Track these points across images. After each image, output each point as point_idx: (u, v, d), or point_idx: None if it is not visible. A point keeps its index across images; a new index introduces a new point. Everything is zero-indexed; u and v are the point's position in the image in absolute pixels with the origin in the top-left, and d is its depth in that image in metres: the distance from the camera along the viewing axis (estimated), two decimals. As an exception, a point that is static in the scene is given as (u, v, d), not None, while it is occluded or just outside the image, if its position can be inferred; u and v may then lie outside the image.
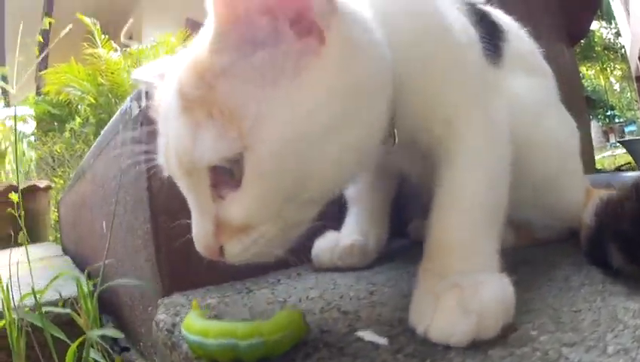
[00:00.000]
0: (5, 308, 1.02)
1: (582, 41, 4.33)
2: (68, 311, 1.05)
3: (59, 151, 5.32)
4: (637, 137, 2.63)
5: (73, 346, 0.95)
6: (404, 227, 1.25)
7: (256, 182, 0.61)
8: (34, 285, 1.09)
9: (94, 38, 6.69)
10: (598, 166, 4.47)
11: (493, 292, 0.62)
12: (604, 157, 9.19)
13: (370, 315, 0.72)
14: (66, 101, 6.89)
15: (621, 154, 10.65)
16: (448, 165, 0.78)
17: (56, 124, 6.66)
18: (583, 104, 4.40)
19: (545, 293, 0.75)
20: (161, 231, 0.92)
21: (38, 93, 7.31)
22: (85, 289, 1.09)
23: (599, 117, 31.63)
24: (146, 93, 0.94)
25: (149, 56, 6.97)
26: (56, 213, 4.18)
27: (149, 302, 1.02)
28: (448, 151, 0.79)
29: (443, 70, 0.77)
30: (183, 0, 7.49)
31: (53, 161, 5.49)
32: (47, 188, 4.33)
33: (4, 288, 1.08)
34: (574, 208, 1.00)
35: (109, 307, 1.35)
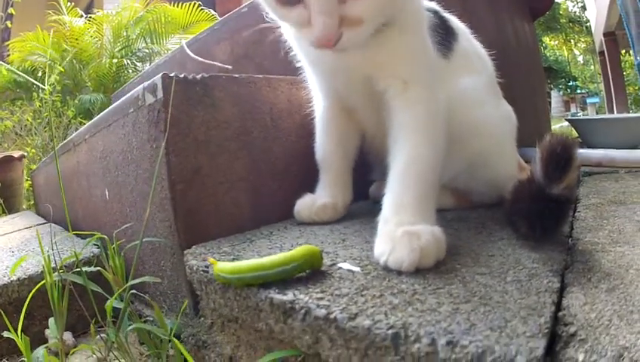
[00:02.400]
0: (46, 271, 1.14)
1: (546, 12, 4.49)
2: (98, 268, 1.21)
3: (29, 120, 5.37)
4: (582, 116, 2.75)
5: (113, 298, 1.10)
6: (366, 189, 1.54)
7: None
8: (47, 253, 1.20)
9: (60, 6, 6.67)
10: None
11: (430, 237, 0.92)
12: (562, 127, 9.43)
13: (345, 254, 1.01)
14: (31, 69, 6.86)
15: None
16: (399, 129, 1.11)
17: (19, 91, 6.65)
18: (542, 75, 4.58)
19: (471, 242, 1.05)
20: (178, 197, 1.15)
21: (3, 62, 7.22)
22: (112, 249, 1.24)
23: (560, 87, 31.85)
24: (163, 85, 1.16)
25: (113, 21, 7.02)
26: (29, 182, 4.28)
27: (161, 256, 1.25)
28: (399, 111, 1.12)
29: (407, 45, 1.14)
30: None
31: (21, 129, 5.52)
32: (21, 158, 4.40)
33: (44, 253, 1.20)
34: (505, 180, 1.26)
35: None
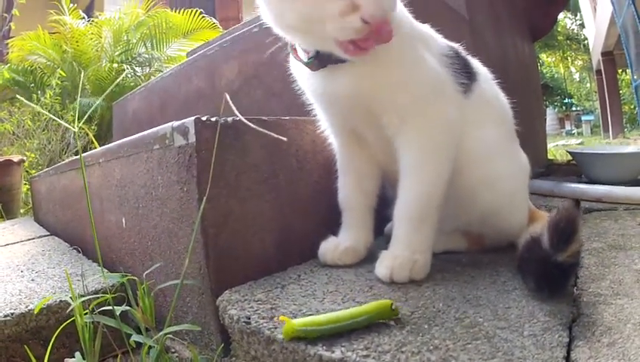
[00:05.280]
0: (77, 312, 1.14)
1: (546, 34, 4.53)
2: (127, 308, 1.19)
3: (29, 124, 5.36)
4: (585, 150, 2.77)
5: (146, 345, 1.11)
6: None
7: None
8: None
9: (61, 6, 6.69)
10: (550, 156, 4.67)
11: (404, 260, 1.18)
12: (557, 145, 9.50)
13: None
14: (30, 68, 6.86)
15: (574, 145, 10.96)
16: (401, 168, 1.22)
17: (17, 89, 6.63)
18: (540, 96, 4.63)
19: (489, 292, 1.12)
20: (210, 241, 1.17)
21: (2, 61, 7.21)
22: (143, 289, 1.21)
23: (556, 104, 32.00)
24: (195, 129, 1.18)
25: (114, 25, 7.03)
26: (26, 186, 4.27)
27: (187, 294, 1.27)
28: (399, 148, 1.23)
29: (399, 76, 1.20)
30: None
31: (20, 131, 5.51)
32: (20, 162, 4.39)
33: (72, 291, 1.22)
34: (516, 230, 1.36)
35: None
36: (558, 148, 8.08)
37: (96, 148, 1.71)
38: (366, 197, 1.41)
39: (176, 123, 1.24)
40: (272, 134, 1.15)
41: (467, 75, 1.33)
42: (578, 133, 23.39)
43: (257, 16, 2.48)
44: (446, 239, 1.41)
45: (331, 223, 1.42)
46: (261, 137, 1.28)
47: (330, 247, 1.37)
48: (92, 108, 5.52)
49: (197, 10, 7.25)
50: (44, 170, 3.24)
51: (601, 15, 13.61)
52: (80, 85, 6.71)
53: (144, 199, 1.42)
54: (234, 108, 1.13)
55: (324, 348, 0.87)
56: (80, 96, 6.38)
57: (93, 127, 5.72)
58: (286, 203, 1.39)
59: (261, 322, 0.99)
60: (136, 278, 1.27)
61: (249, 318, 1.02)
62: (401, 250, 1.20)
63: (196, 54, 2.97)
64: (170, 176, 1.27)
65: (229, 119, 1.23)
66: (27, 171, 4.73)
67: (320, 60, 1.18)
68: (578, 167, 2.84)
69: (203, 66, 2.67)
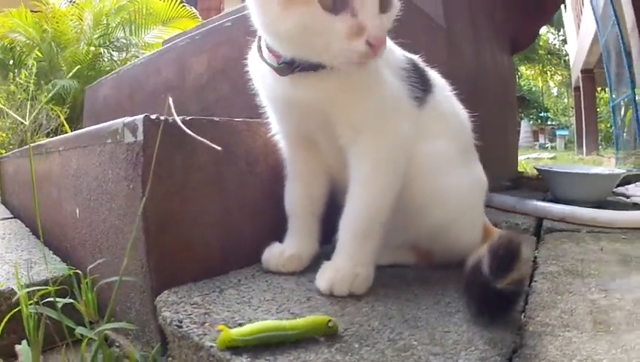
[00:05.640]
0: (22, 303, 1.16)
1: (527, 47, 4.54)
2: (71, 301, 1.20)
3: (2, 102, 5.30)
4: (553, 167, 2.77)
5: (86, 338, 1.12)
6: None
7: (395, 10, 1.14)
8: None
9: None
10: (521, 168, 4.68)
11: (345, 273, 1.18)
12: (529, 158, 9.52)
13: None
14: (10, 46, 6.82)
15: (545, 159, 11.01)
16: (351, 179, 1.23)
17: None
18: (515, 109, 4.64)
19: (429, 313, 1.10)
20: (151, 240, 1.17)
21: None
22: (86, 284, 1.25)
23: (532, 117, 32.26)
24: (144, 127, 1.17)
25: (95, 8, 6.98)
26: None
27: (130, 290, 1.26)
28: (351, 160, 1.23)
29: (358, 89, 1.20)
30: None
31: (-6, 110, 5.46)
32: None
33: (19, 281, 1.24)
34: (467, 248, 1.29)
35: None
36: (529, 160, 8.13)
37: (66, 131, 1.70)
38: (313, 205, 1.42)
39: (127, 119, 1.23)
40: (206, 142, 1.13)
41: (423, 88, 1.33)
42: (552, 148, 23.54)
43: (232, 11, 2.51)
44: (394, 252, 1.41)
45: (280, 228, 1.42)
46: (210, 139, 1.26)
47: (274, 253, 1.37)
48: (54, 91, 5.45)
49: None
50: (12, 151, 3.21)
51: (585, 32, 13.74)
52: (56, 66, 6.66)
53: (95, 192, 1.41)
54: (173, 110, 1.13)
55: (248, 359, 0.87)
56: (56, 78, 6.34)
57: (65, 110, 5.66)
58: (233, 205, 1.38)
59: (192, 327, 0.99)
60: (79, 272, 1.29)
61: (181, 322, 1.01)
62: (344, 261, 1.21)
63: (167, 45, 2.95)
64: (119, 171, 1.26)
65: (178, 119, 1.21)
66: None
67: (290, 66, 1.16)
68: (546, 185, 2.84)
69: (173, 58, 2.63)
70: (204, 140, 1.15)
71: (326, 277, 1.19)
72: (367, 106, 1.21)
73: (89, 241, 1.48)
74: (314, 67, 1.13)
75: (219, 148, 1.14)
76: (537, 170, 2.98)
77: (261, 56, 1.24)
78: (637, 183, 3.12)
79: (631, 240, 1.77)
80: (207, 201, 1.30)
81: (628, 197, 2.83)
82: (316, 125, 1.27)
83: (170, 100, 1.13)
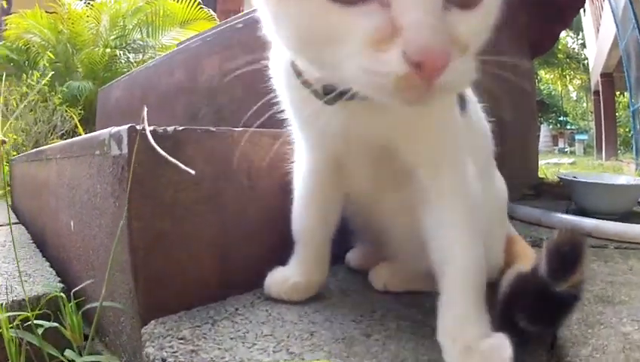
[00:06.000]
0: (4, 327, 1.08)
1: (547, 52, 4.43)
2: (56, 325, 1.13)
3: (15, 104, 5.28)
4: (577, 177, 2.64)
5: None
6: (342, 252, 1.44)
7: (493, 7, 0.72)
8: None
9: (60, -15, 6.64)
10: (541, 174, 4.56)
11: (495, 352, 0.83)
12: (548, 163, 9.37)
13: (312, 358, 0.90)
14: (25, 47, 6.86)
15: (565, 164, 10.85)
16: (440, 226, 0.96)
17: (12, 64, 6.62)
18: (535, 115, 4.52)
19: None
20: (139, 263, 1.06)
21: (-1, 38, 7.22)
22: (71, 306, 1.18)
23: (551, 121, 32.12)
24: (128, 139, 1.05)
25: (112, 9, 7.03)
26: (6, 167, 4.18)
27: (121, 313, 1.16)
28: (434, 202, 0.96)
29: (444, 117, 0.96)
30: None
31: (7, 110, 5.44)
32: (1, 143, 4.29)
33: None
34: (492, 266, 1.13)
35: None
36: (549, 166, 8.00)
37: (80, 133, 1.63)
38: (328, 230, 1.22)
39: (114, 129, 1.12)
40: (181, 165, 1.02)
41: (462, 105, 1.10)
42: (571, 152, 23.36)
43: (247, 12, 2.43)
44: (409, 278, 1.25)
45: (286, 250, 1.27)
46: (206, 151, 1.16)
47: (277, 280, 1.22)
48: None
49: (196, 0, 7.19)
50: (21, 155, 3.18)
51: (604, 36, 13.58)
52: (72, 67, 6.67)
53: (87, 206, 1.32)
54: (146, 124, 1.01)
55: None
56: (71, 79, 6.33)
57: (79, 111, 5.62)
58: (232, 225, 1.26)
59: (176, 368, 0.87)
60: (63, 295, 1.20)
61: (164, 360, 0.90)
62: (483, 333, 0.89)
63: (180, 46, 2.90)
64: (107, 187, 1.16)
65: (169, 129, 1.11)
66: (11, 153, 4.61)
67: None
68: (570, 196, 2.71)
69: (185, 59, 2.60)
70: (177, 162, 1.04)
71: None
72: (447, 137, 0.99)
73: (83, 256, 1.40)
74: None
75: (192, 171, 1.03)
76: (561, 179, 2.86)
77: (297, 73, 0.92)
78: None
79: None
80: (201, 221, 1.18)
81: None
82: (370, 159, 1.03)
83: (145, 112, 1.01)
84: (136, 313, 1.08)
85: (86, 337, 1.18)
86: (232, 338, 0.98)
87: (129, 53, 7.10)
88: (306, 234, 1.22)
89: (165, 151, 1.08)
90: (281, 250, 1.26)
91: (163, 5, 7.18)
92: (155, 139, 1.07)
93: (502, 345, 0.84)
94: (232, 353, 0.92)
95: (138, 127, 1.06)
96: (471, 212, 0.97)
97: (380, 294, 1.24)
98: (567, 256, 0.85)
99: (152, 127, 1.08)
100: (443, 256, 0.95)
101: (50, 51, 6.42)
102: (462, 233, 0.95)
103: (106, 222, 1.18)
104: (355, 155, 1.04)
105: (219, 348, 0.94)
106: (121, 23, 7.12)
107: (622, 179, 2.80)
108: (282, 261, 1.26)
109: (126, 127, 1.06)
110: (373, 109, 0.82)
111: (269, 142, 1.33)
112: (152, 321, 1.05)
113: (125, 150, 1.06)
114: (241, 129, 1.29)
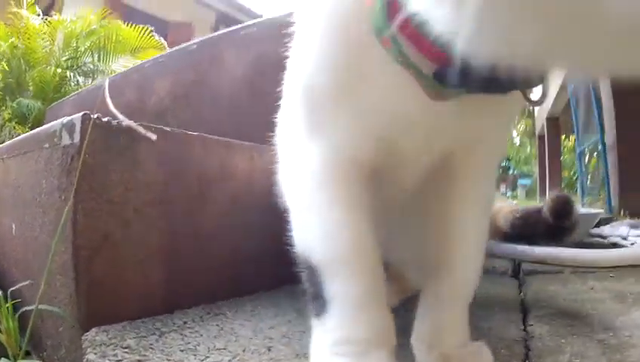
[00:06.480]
0: None
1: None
2: None
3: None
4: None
5: None
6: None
7: None
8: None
9: (21, -1, 6.57)
10: None
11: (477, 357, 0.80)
12: (491, 205, 9.49)
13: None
14: None
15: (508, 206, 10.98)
16: (463, 220, 0.85)
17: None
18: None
19: None
20: (81, 265, 0.97)
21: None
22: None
23: None
24: (82, 127, 0.98)
25: (67, 28, 7.02)
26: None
27: (60, 322, 1.06)
28: (468, 206, 0.85)
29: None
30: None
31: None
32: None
33: None
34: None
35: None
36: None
37: None
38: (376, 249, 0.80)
39: (67, 118, 1.04)
40: (141, 130, 0.94)
41: None
42: (513, 196, 23.68)
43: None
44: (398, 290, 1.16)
45: (236, 266, 1.22)
46: (160, 151, 1.09)
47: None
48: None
49: (148, 28, 7.22)
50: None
51: (551, 80, 13.89)
52: (24, 84, 6.56)
53: (31, 205, 1.22)
54: (111, 106, 0.94)
55: None
56: (22, 96, 6.22)
57: (27, 130, 5.49)
58: (181, 234, 1.18)
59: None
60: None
61: (106, 369, 0.81)
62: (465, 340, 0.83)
63: (133, 67, 2.88)
64: (53, 180, 1.07)
65: (124, 123, 1.03)
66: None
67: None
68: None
69: (137, 80, 2.56)
70: (138, 127, 0.96)
71: None
72: (506, 138, 0.94)
73: (23, 261, 1.30)
74: (502, 86, 0.60)
75: (154, 136, 0.94)
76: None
77: (387, 43, 0.62)
78: (612, 224, 3.02)
79: (619, 278, 1.62)
80: (150, 226, 1.10)
81: (605, 238, 2.73)
82: (430, 157, 0.83)
83: (107, 84, 0.93)
84: (76, 320, 0.98)
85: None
86: (182, 350, 0.89)
87: (79, 75, 7.02)
88: (360, 257, 0.76)
89: (118, 147, 1.02)
90: (232, 265, 1.20)
91: (116, 31, 7.14)
92: (108, 133, 1.00)
93: (482, 351, 0.80)
94: (184, 363, 0.83)
95: (94, 116, 0.99)
96: (487, 222, 0.92)
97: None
98: (563, 207, 1.50)
99: (106, 119, 1.01)
100: (446, 258, 0.85)
101: (5, 63, 6.30)
102: (474, 242, 0.87)
103: (49, 219, 1.09)
104: (417, 151, 0.81)
105: (168, 359, 0.85)
106: (74, 44, 7.04)
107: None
108: (236, 277, 1.17)
109: (80, 114, 0.99)
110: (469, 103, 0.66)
111: (222, 150, 1.28)
112: (94, 329, 0.96)
113: (77, 138, 0.98)
114: (196, 133, 1.23)
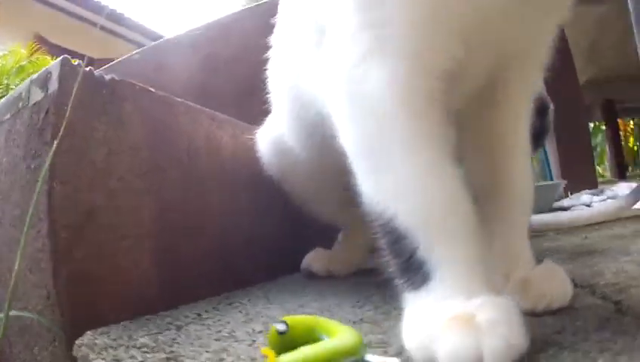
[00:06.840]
0: None
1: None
2: None
3: None
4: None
5: None
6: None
7: None
8: None
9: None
10: None
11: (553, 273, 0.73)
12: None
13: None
14: None
15: None
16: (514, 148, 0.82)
17: None
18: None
19: None
20: (61, 251, 0.75)
21: None
22: None
23: None
24: (60, 74, 0.80)
25: None
26: None
27: (34, 339, 0.82)
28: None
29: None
30: (33, 17, 7.56)
31: None
32: None
33: None
34: None
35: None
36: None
37: None
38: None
39: (36, 74, 0.87)
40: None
41: None
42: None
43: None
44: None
45: (229, 250, 1.08)
46: (144, 111, 0.93)
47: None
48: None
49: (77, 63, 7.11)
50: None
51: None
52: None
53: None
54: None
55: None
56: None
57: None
58: (173, 210, 0.99)
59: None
60: None
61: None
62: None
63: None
64: (17, 151, 0.86)
65: (107, 76, 0.86)
66: None
67: None
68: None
69: None
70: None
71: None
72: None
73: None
74: None
75: None
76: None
77: None
78: (571, 196, 3.03)
79: (596, 230, 1.64)
80: (137, 200, 0.91)
81: (566, 209, 2.74)
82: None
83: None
84: (58, 329, 0.75)
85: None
86: (216, 340, 0.70)
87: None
88: (459, 218, 0.59)
89: (101, 102, 0.84)
90: (223, 247, 1.09)
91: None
92: (90, 85, 0.83)
93: (555, 269, 0.73)
94: (232, 350, 0.65)
95: (75, 62, 0.83)
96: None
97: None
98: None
99: (88, 68, 0.84)
100: (502, 178, 0.80)
101: None
102: (525, 162, 0.84)
103: (12, 202, 0.86)
104: (485, 54, 0.74)
105: (207, 351, 0.65)
106: (5, 82, 6.76)
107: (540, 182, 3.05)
108: (227, 260, 1.07)
109: (58, 59, 0.82)
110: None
111: (207, 121, 1.17)
112: (88, 332, 0.73)
113: (55, 86, 0.80)
114: (180, 100, 1.09)
